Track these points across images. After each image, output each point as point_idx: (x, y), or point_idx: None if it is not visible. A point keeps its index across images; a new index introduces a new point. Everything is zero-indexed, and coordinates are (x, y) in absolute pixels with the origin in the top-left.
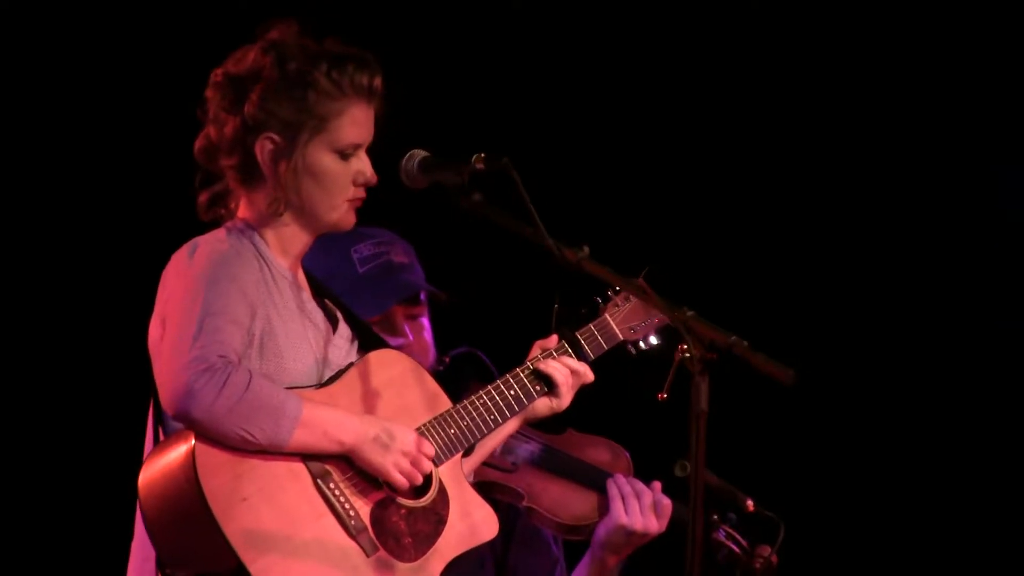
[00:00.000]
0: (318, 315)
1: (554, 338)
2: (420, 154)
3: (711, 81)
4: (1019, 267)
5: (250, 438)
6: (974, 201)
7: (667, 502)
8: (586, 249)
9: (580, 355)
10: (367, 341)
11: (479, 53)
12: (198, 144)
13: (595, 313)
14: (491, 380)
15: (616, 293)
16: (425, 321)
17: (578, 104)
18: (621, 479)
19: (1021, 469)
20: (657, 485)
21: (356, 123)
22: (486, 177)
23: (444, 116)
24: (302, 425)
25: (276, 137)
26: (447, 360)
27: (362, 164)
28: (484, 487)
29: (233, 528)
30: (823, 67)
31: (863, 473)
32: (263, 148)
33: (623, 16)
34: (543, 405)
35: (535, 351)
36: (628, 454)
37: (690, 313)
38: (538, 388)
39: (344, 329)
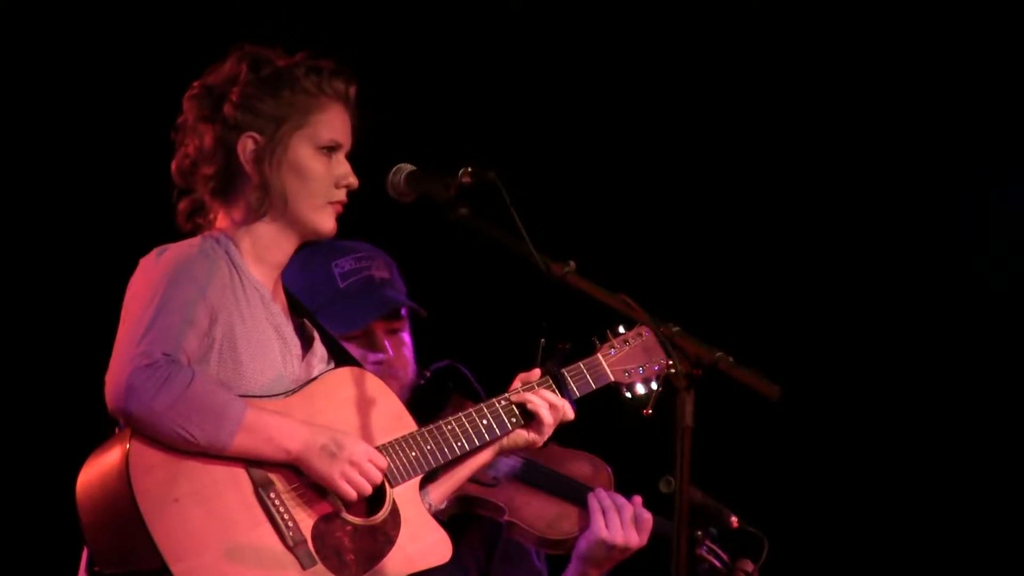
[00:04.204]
0: (288, 330)
1: (536, 372)
2: (407, 168)
3: (701, 99)
4: (1008, 281)
5: (189, 437)
6: (960, 217)
7: (648, 516)
8: (572, 264)
9: (563, 391)
10: (343, 363)
11: (467, 68)
12: (174, 164)
13: (589, 351)
14: (473, 394)
15: (616, 335)
16: (406, 336)
17: (567, 120)
18: (602, 493)
19: (1006, 486)
20: (638, 499)
21: (335, 120)
22: (473, 191)
23: (431, 130)
24: (245, 429)
25: (257, 136)
26: (428, 374)
27: (344, 167)
28: (465, 502)
29: (160, 527)
30: (809, 85)
31: (849, 491)
32: (245, 147)
33: (610, 33)
34: (520, 437)
35: (516, 384)
36: (609, 468)
37: (675, 328)
38: (513, 420)
39: (319, 349)
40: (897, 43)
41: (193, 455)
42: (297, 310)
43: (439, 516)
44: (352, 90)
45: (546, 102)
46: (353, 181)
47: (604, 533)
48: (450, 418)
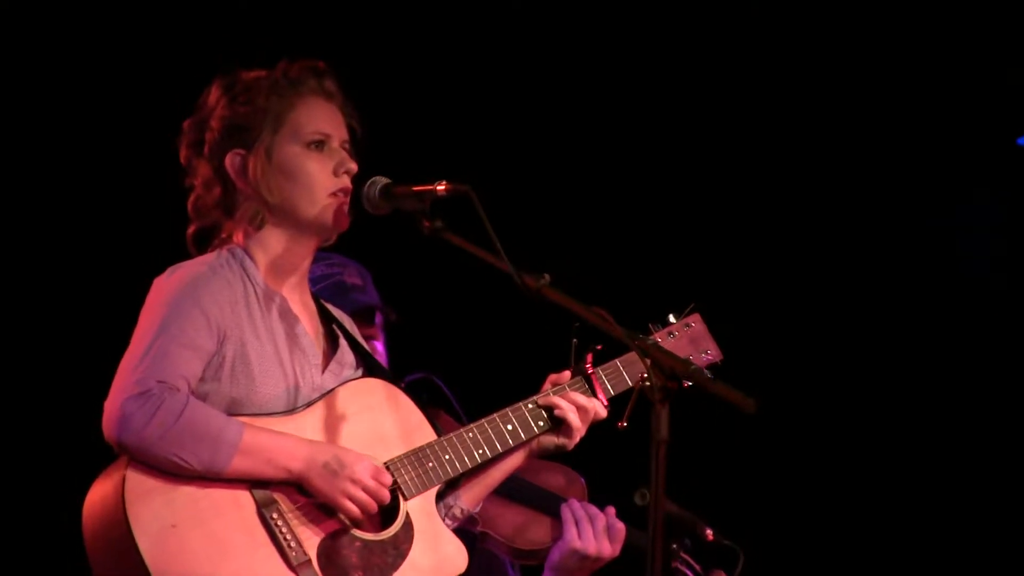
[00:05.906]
0: (309, 340)
1: (567, 374)
2: (382, 180)
3: (675, 108)
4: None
5: (184, 464)
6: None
7: (620, 526)
8: (547, 277)
9: (595, 392)
10: (371, 370)
11: (442, 81)
12: (189, 205)
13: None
14: (448, 407)
15: (667, 324)
16: (379, 345)
17: (542, 132)
18: (575, 503)
19: (981, 497)
20: (611, 510)
21: (314, 113)
22: (448, 203)
23: (406, 142)
24: (242, 452)
25: (240, 149)
26: (402, 386)
27: (339, 156)
28: None
29: (155, 554)
30: (782, 95)
31: (824, 503)
32: (233, 164)
33: (585, 47)
34: (549, 441)
35: (547, 386)
36: (583, 479)
37: (651, 340)
38: (541, 424)
39: (346, 356)
40: (858, 54)
41: (193, 479)
42: (327, 317)
43: (468, 523)
44: (328, 83)
45: (521, 114)
46: (352, 166)
47: (577, 543)
48: (472, 425)
